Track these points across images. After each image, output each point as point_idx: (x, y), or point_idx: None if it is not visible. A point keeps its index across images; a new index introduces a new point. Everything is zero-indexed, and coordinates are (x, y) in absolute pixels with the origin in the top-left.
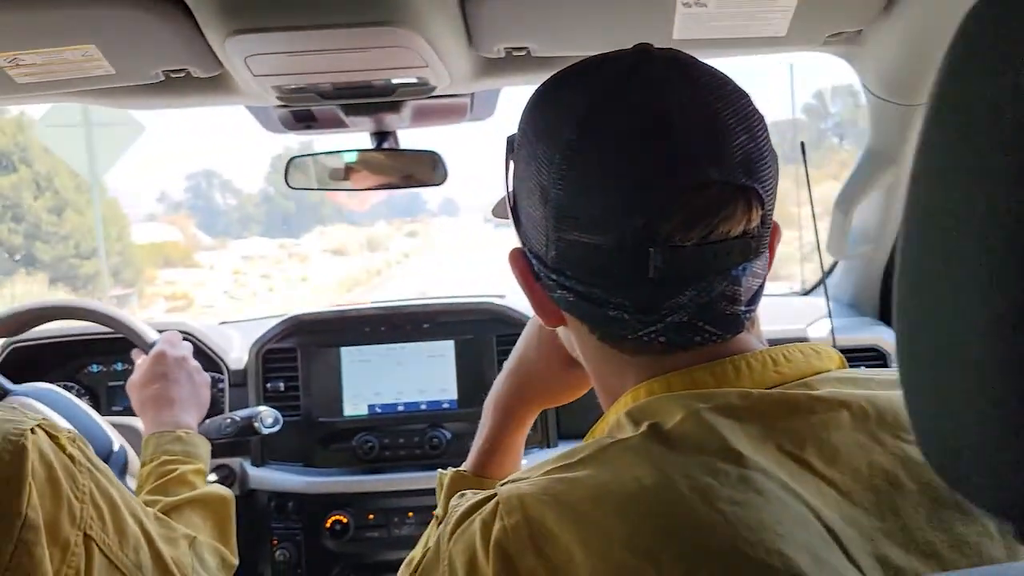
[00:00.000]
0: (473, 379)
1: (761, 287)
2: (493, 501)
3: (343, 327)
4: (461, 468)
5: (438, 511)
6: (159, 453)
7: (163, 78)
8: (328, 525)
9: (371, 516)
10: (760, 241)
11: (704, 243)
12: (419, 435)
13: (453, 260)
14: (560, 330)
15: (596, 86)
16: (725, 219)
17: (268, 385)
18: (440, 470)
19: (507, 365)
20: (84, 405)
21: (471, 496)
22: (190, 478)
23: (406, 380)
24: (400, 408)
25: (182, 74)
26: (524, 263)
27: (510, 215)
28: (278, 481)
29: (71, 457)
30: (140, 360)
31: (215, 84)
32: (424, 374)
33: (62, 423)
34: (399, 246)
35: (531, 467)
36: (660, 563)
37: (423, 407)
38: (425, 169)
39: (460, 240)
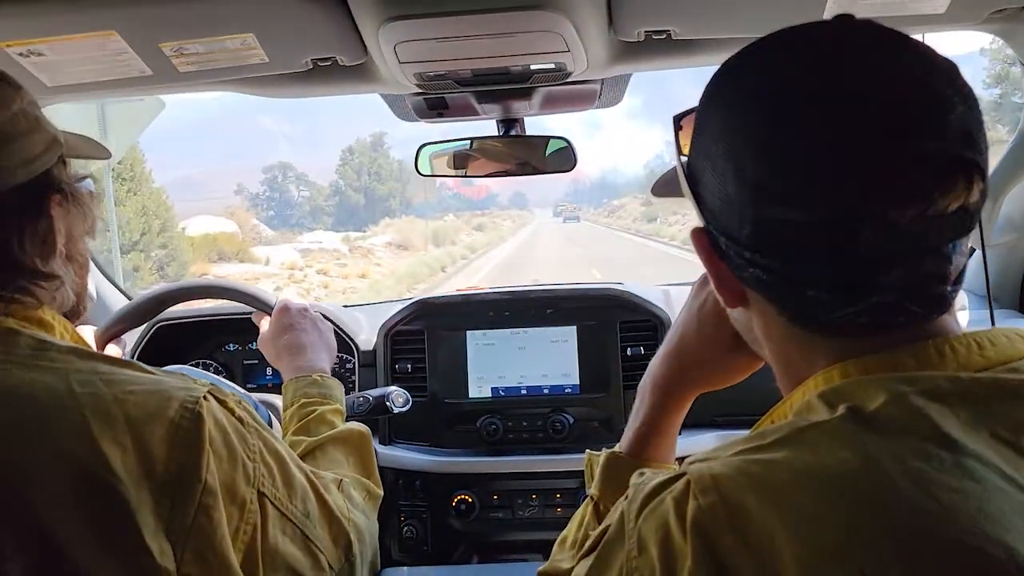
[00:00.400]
0: (595, 365)
1: (966, 265)
2: (683, 480)
3: (469, 311)
4: (615, 449)
5: (592, 491)
6: (298, 396)
7: (311, 66)
8: (453, 504)
9: (495, 497)
10: (974, 217)
11: (919, 219)
12: (542, 419)
13: (521, 254)
14: (737, 311)
15: (798, 57)
16: (944, 194)
17: (396, 366)
18: (590, 451)
19: (664, 347)
20: (224, 382)
21: (652, 475)
22: (329, 417)
23: (529, 364)
24: (523, 392)
25: (329, 62)
26: (707, 241)
27: (689, 194)
28: (405, 460)
29: (240, 419)
30: (264, 319)
31: (358, 72)
32: (547, 359)
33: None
34: (465, 240)
35: (716, 448)
36: (872, 548)
37: (546, 391)
38: (554, 155)
39: (530, 234)
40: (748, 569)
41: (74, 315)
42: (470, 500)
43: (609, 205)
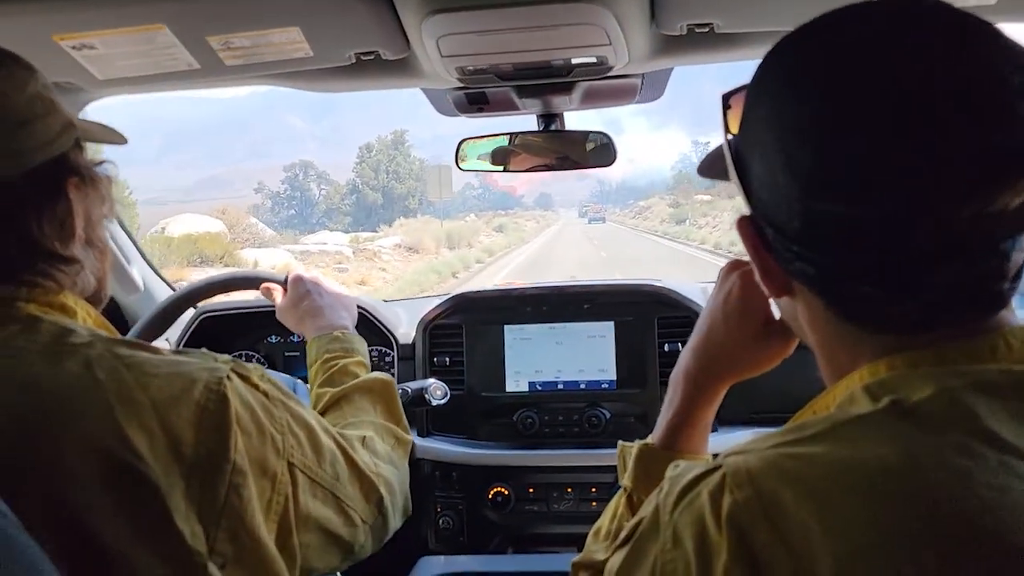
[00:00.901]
0: (632, 360)
1: None
2: (719, 473)
3: (506, 305)
4: (648, 441)
5: (625, 482)
6: (321, 353)
7: (354, 60)
8: (490, 496)
9: (531, 489)
10: None
11: (978, 217)
12: (578, 413)
13: (543, 257)
14: (782, 301)
15: (855, 41)
16: (1005, 191)
17: (435, 359)
18: (622, 443)
19: (693, 339)
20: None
21: (688, 466)
22: (352, 369)
23: (566, 359)
24: (560, 386)
25: (372, 56)
26: (754, 231)
27: (736, 180)
28: (443, 452)
29: (265, 393)
30: (276, 292)
31: (400, 67)
32: (584, 354)
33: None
34: (484, 242)
35: (753, 440)
36: (911, 547)
37: (582, 386)
38: (595, 150)
39: (553, 236)
40: (783, 565)
41: (96, 301)
42: (506, 492)
43: (635, 206)
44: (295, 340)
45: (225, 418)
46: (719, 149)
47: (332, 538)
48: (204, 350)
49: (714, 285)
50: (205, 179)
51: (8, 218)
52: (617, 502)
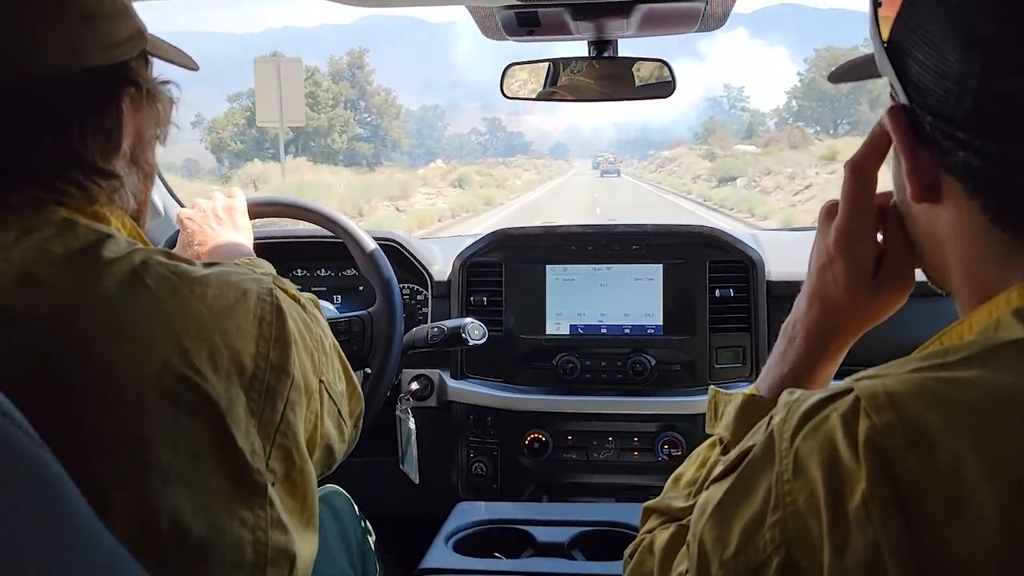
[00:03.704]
0: (680, 305)
1: None
2: (850, 396)
3: (549, 244)
4: (753, 392)
5: (721, 432)
6: None
7: None
8: (527, 443)
9: (569, 437)
10: None
11: None
12: (622, 359)
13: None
14: (921, 207)
15: None
16: None
17: (471, 299)
18: (716, 389)
19: (806, 289)
20: None
21: (808, 392)
22: None
23: (610, 302)
24: (603, 331)
25: None
26: (907, 121)
27: (891, 71)
28: (478, 395)
29: (303, 306)
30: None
31: None
32: (629, 297)
33: None
34: (415, 206)
35: (886, 365)
36: None
37: (627, 331)
38: (650, 79)
39: (548, 193)
40: (931, 497)
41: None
42: (543, 439)
43: (658, 156)
44: (322, 274)
45: (285, 330)
46: (858, 58)
47: (328, 453)
48: (243, 259)
49: (815, 232)
50: None
51: (50, 117)
52: (707, 452)
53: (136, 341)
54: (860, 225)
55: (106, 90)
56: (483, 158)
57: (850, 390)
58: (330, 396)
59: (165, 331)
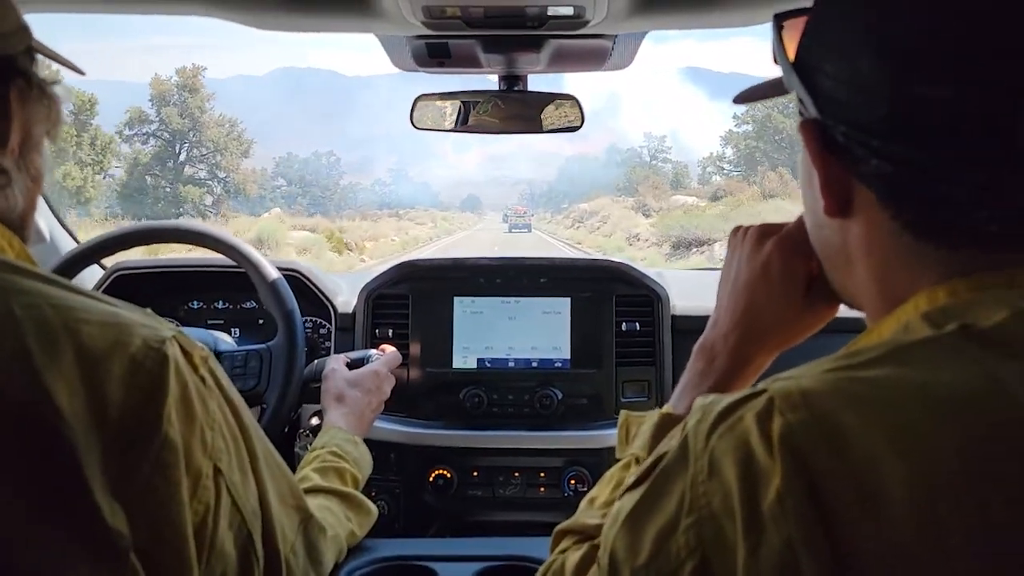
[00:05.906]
0: (587, 339)
1: None
2: (763, 397)
3: (457, 276)
4: (668, 410)
5: (636, 452)
6: (333, 444)
7: None
8: (431, 479)
9: (475, 473)
10: None
11: None
12: (529, 393)
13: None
14: (831, 226)
15: None
16: None
17: (377, 331)
18: (627, 412)
19: (729, 308)
20: (217, 334)
21: (721, 396)
22: (348, 478)
23: (518, 335)
24: (511, 364)
25: None
26: (818, 134)
27: (800, 87)
28: (380, 430)
29: (202, 379)
30: (340, 361)
31: (357, 5)
32: (537, 330)
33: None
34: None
35: (799, 368)
36: (997, 477)
37: (534, 364)
38: (559, 114)
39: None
40: (846, 492)
41: (18, 229)
42: (448, 475)
43: (574, 210)
44: (219, 306)
45: (162, 380)
46: (761, 82)
47: None
48: (148, 310)
49: (727, 254)
50: None
51: None
52: (621, 473)
53: None
54: (797, 254)
55: None
56: (375, 210)
57: (764, 391)
58: (233, 500)
59: (24, 366)
